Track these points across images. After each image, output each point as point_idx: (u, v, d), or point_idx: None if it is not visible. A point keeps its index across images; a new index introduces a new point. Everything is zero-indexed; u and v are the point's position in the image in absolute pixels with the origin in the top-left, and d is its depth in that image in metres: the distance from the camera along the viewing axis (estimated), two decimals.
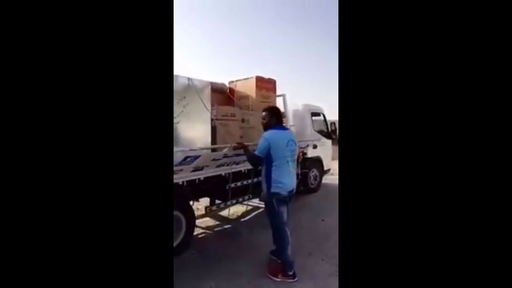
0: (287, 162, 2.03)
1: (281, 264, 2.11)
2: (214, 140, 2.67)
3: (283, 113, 3.14)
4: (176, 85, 2.33)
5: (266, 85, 3.29)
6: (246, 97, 3.24)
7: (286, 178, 2.03)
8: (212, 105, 2.72)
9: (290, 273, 2.05)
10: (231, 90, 3.35)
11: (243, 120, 3.04)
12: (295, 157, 2.16)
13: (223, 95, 3.24)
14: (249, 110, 3.16)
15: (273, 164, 1.99)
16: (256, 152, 2.02)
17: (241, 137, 2.97)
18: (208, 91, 2.64)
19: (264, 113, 2.19)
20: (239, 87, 3.32)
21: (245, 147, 2.21)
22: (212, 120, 2.67)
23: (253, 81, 3.20)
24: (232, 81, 3.39)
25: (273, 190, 2.00)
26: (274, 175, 1.99)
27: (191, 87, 2.44)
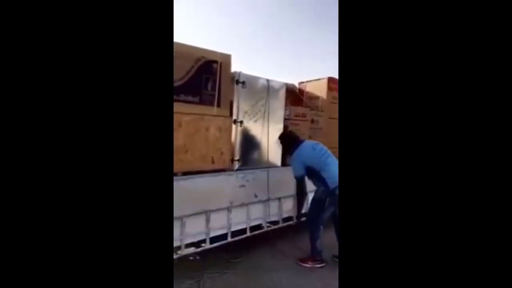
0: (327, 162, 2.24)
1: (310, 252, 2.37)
2: None
3: None
4: (257, 86, 2.48)
5: (337, 86, 3.25)
6: (316, 98, 3.26)
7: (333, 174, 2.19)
8: (285, 105, 2.82)
9: (319, 258, 2.33)
10: (301, 91, 3.40)
11: (312, 121, 3.07)
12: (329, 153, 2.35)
13: (294, 96, 3.31)
14: (318, 111, 3.18)
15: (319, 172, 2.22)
16: (296, 177, 2.30)
17: (309, 137, 3.02)
18: (283, 91, 2.75)
19: (279, 141, 2.51)
20: (310, 88, 3.35)
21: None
22: (284, 119, 2.78)
23: (325, 82, 3.19)
24: (302, 82, 3.43)
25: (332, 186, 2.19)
26: (324, 175, 2.20)
27: (270, 88, 2.57)
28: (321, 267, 2.31)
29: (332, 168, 2.20)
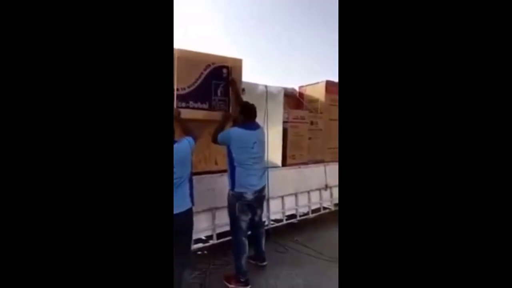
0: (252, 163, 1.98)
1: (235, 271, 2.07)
2: (285, 141, 2.95)
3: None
4: (256, 92, 2.68)
5: (336, 88, 3.39)
6: (315, 100, 3.41)
7: (252, 179, 1.98)
8: (284, 108, 2.99)
9: (243, 280, 2.03)
10: (301, 94, 3.56)
11: (311, 123, 3.23)
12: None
13: (293, 99, 3.48)
14: (317, 113, 3.34)
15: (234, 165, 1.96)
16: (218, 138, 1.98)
17: (309, 138, 3.18)
18: (281, 96, 2.93)
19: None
20: (309, 91, 3.51)
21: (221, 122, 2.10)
22: (283, 122, 2.95)
23: (323, 85, 3.35)
24: (302, 86, 3.60)
25: (237, 190, 1.97)
26: (237, 176, 1.95)
27: (268, 93, 2.75)
28: None
29: (251, 173, 1.97)
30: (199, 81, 2.06)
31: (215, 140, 2.02)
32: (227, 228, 2.52)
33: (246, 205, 2.02)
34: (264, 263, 2.30)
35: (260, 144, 2.07)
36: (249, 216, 2.07)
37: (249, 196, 1.99)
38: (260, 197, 2.11)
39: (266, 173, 2.15)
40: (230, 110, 2.23)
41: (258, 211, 2.18)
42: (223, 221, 2.48)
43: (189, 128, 1.83)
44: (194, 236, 2.32)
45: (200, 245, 2.49)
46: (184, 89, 1.99)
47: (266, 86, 2.77)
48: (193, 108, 2.05)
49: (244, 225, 2.03)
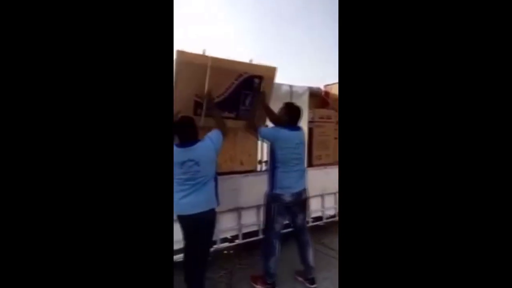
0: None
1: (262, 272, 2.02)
2: (310, 141, 2.89)
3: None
4: (280, 92, 2.65)
5: None
6: None
7: (291, 181, 1.93)
8: (309, 108, 2.94)
9: (269, 282, 1.98)
10: (327, 93, 3.47)
11: (337, 122, 3.13)
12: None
13: (318, 99, 3.41)
14: None
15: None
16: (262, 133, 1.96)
17: (335, 138, 3.09)
18: (306, 95, 2.87)
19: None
20: (335, 90, 3.41)
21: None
22: (309, 122, 2.89)
23: None
24: (328, 85, 3.51)
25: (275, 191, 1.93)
26: (277, 176, 1.92)
27: (292, 93, 2.72)
28: None
29: (291, 173, 1.93)
30: (228, 91, 2.02)
31: (254, 129, 2.01)
32: (253, 228, 2.54)
33: (284, 207, 1.97)
34: (314, 286, 2.06)
35: (302, 145, 2.05)
36: (286, 219, 2.03)
37: (287, 198, 1.95)
38: (300, 201, 2.04)
39: (305, 175, 2.09)
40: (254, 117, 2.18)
41: (300, 216, 2.07)
42: (249, 221, 2.49)
43: (221, 122, 1.83)
44: (220, 236, 2.36)
45: (226, 244, 2.52)
46: (214, 99, 1.97)
47: (290, 86, 2.73)
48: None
49: (278, 227, 1.99)
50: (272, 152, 1.96)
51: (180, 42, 1.79)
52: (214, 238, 2.33)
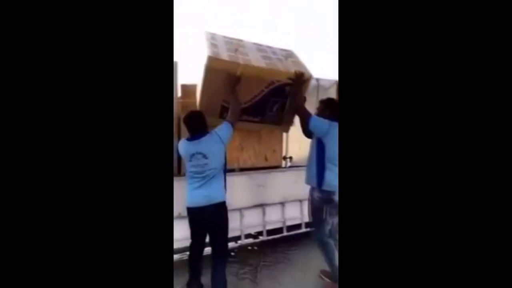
0: None
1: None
2: None
3: None
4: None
5: None
6: None
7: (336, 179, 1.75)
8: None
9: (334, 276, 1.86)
10: None
11: None
12: None
13: None
14: None
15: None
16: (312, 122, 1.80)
17: None
18: (334, 88, 2.76)
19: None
20: None
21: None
22: None
23: None
24: None
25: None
26: (327, 174, 1.80)
27: (319, 87, 2.63)
28: None
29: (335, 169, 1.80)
30: (256, 98, 1.93)
31: (304, 115, 1.86)
32: (278, 225, 2.52)
33: (335, 208, 1.81)
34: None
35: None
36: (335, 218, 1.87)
37: (336, 197, 1.80)
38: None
39: None
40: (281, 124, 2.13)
41: (336, 218, 1.88)
42: (273, 217, 2.46)
43: (235, 110, 1.76)
44: (244, 231, 2.36)
45: (250, 240, 2.50)
46: (240, 104, 1.86)
47: (317, 80, 2.63)
48: (243, 120, 1.96)
49: (328, 228, 1.87)
50: (321, 147, 1.83)
51: (180, 42, 1.75)
52: (238, 234, 2.35)
